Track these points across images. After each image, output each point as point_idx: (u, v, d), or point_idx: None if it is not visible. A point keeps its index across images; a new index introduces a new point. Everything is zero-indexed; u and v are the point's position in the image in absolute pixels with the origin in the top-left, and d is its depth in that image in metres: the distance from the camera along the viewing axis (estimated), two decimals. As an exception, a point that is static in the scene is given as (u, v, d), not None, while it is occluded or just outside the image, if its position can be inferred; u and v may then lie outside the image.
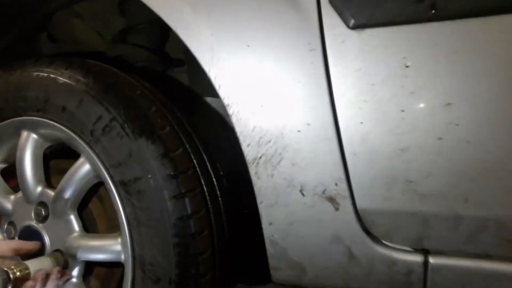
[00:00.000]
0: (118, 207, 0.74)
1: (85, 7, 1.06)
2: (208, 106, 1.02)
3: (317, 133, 0.63)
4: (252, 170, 0.67)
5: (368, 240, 0.64)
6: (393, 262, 0.63)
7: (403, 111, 0.59)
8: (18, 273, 0.68)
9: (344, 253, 0.66)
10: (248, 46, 0.65)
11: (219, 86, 0.66)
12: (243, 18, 0.65)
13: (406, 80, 0.58)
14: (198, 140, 0.80)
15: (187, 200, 0.71)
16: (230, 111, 0.66)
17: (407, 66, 0.58)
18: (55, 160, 0.90)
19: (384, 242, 0.65)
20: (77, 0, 1.03)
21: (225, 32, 0.66)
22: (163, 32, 1.10)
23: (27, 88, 0.83)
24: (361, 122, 0.61)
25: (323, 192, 0.64)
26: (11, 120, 0.86)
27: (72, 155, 0.84)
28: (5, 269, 0.66)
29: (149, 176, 0.70)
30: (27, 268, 0.69)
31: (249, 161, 0.67)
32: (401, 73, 0.58)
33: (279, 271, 0.71)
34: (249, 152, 0.66)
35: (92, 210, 0.87)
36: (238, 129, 0.66)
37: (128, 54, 1.13)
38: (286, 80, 0.63)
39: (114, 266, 0.84)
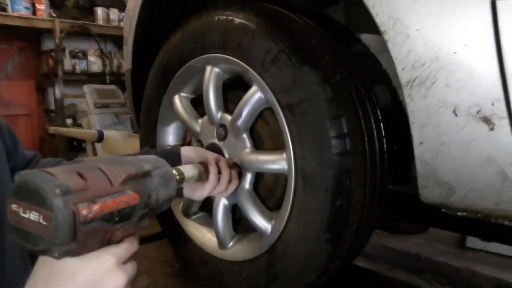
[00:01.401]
0: (284, 127, 0.88)
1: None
2: (361, 42, 1.07)
3: (475, 54, 0.64)
4: (406, 92, 0.72)
5: (525, 162, 0.64)
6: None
7: None
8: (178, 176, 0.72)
9: (497, 175, 0.67)
10: (406, -28, 0.68)
11: (376, 14, 0.71)
12: None
13: None
14: (353, 69, 0.87)
15: (343, 120, 0.80)
16: (386, 37, 0.71)
17: None
18: (231, 90, 1.08)
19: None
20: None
21: (383, -39, 0.70)
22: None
23: (210, 30, 1.01)
24: (526, 40, 0.59)
25: (478, 113, 0.66)
26: (198, 57, 1.06)
27: (243, 86, 1.00)
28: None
29: (312, 99, 0.81)
30: (182, 173, 0.73)
31: (403, 83, 0.72)
32: None
33: (427, 189, 0.76)
34: (403, 76, 0.71)
35: (259, 131, 1.02)
36: (393, 54, 0.71)
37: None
38: (443, 2, 0.65)
39: (278, 177, 1.00)
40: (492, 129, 0.65)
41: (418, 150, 0.74)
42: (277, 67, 0.86)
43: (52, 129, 2.06)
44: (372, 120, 0.85)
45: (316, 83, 0.81)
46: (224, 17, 0.97)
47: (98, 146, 3.72)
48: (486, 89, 0.64)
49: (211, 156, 0.87)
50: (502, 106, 0.63)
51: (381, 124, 0.88)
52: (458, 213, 0.77)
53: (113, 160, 0.57)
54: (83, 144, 4.02)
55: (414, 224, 1.79)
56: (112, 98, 4.03)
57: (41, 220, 0.45)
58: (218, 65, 1.03)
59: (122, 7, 4.36)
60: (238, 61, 0.95)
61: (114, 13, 4.27)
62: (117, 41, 4.72)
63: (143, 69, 1.32)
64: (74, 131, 2.53)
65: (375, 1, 0.71)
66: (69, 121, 4.28)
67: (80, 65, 4.23)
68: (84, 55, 4.28)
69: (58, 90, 4.12)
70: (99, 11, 4.21)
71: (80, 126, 4.25)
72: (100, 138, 1.79)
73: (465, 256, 1.88)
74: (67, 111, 4.24)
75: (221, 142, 1.04)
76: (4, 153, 0.74)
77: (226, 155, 1.03)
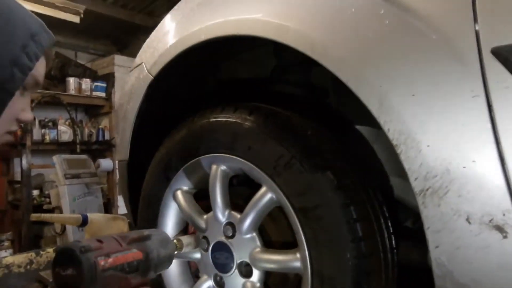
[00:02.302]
0: (298, 229, 0.90)
1: (248, 55, 1.27)
2: (359, 134, 1.14)
3: (483, 169, 0.70)
4: (419, 200, 0.77)
5: (539, 269, 0.69)
6: None
7: None
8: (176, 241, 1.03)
9: (513, 279, 0.71)
10: (413, 95, 0.75)
11: (388, 130, 0.77)
12: (409, 71, 0.76)
13: None
14: (360, 169, 0.92)
15: (358, 225, 0.84)
16: (398, 150, 0.77)
17: None
18: (234, 187, 1.10)
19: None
20: (244, 51, 1.24)
21: (392, 84, 0.77)
22: (309, 67, 1.24)
23: (217, 131, 1.04)
24: (528, 160, 0.66)
25: (490, 221, 0.71)
26: (204, 156, 1.08)
27: (247, 183, 1.03)
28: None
29: (327, 204, 0.84)
30: (180, 240, 1.06)
31: (417, 192, 0.77)
32: None
33: (445, 290, 0.79)
34: (416, 185, 0.76)
35: (266, 226, 1.04)
36: (406, 165, 0.77)
37: (281, 89, 1.31)
38: (451, 123, 0.72)
39: (287, 274, 1.01)
40: (505, 237, 0.70)
41: (434, 253, 0.78)
42: (290, 173, 0.90)
43: (34, 216, 1.98)
44: (382, 220, 0.89)
45: (330, 189, 0.85)
46: (233, 119, 1.01)
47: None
48: (496, 200, 0.70)
49: None
50: (512, 216, 0.69)
51: (389, 221, 0.92)
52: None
53: (123, 232, 0.85)
54: (52, 218, 3.83)
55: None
56: (82, 168, 3.94)
57: (74, 272, 0.68)
58: (224, 164, 1.05)
59: (94, 77, 4.39)
60: (247, 163, 0.98)
61: (86, 83, 4.29)
62: (88, 109, 4.71)
63: (137, 159, 1.33)
64: (57, 217, 2.45)
65: (386, 117, 0.77)
66: (35, 192, 4.12)
67: (50, 135, 4.15)
68: (54, 124, 4.21)
69: (25, 161, 3.98)
70: (71, 81, 4.21)
71: (47, 197, 4.09)
72: (84, 222, 1.73)
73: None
74: (33, 181, 4.09)
75: (230, 240, 1.04)
76: None
77: (235, 254, 1.03)
